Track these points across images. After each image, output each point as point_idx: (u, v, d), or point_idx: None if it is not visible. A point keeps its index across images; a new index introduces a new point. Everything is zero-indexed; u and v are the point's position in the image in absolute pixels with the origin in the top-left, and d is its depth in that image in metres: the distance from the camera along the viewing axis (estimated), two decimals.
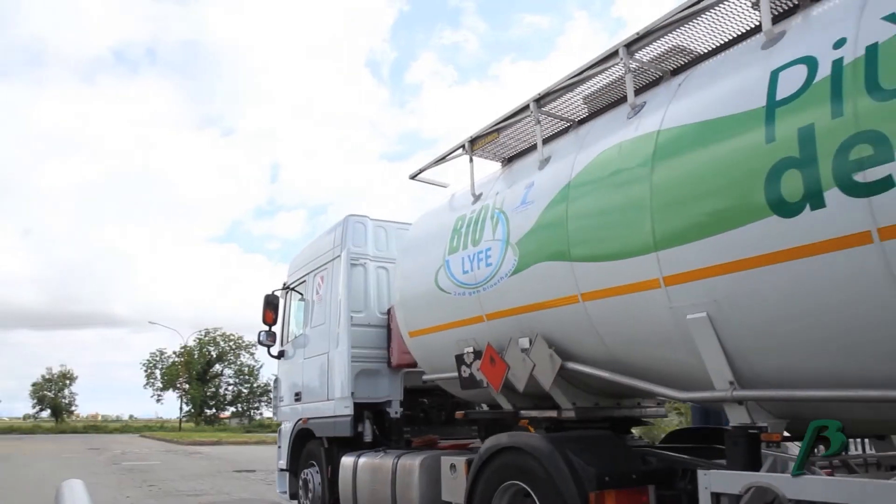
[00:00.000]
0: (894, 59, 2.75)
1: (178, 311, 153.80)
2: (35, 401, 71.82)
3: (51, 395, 71.51)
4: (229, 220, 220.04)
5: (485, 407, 6.73)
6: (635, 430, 5.82)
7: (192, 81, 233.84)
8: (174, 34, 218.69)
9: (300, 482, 8.13)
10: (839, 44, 3.01)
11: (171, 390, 61.83)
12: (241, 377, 63.50)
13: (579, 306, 4.32)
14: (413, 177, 6.52)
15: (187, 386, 58.46)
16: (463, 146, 5.74)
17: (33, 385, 71.60)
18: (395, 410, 7.36)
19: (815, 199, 2.93)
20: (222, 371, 64.07)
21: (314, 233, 8.04)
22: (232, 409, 65.08)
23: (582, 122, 5.17)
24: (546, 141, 5.17)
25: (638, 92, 4.42)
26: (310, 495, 7.83)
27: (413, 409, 7.66)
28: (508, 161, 5.85)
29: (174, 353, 62.68)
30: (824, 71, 3.01)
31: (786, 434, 3.83)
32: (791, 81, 3.15)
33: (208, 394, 61.82)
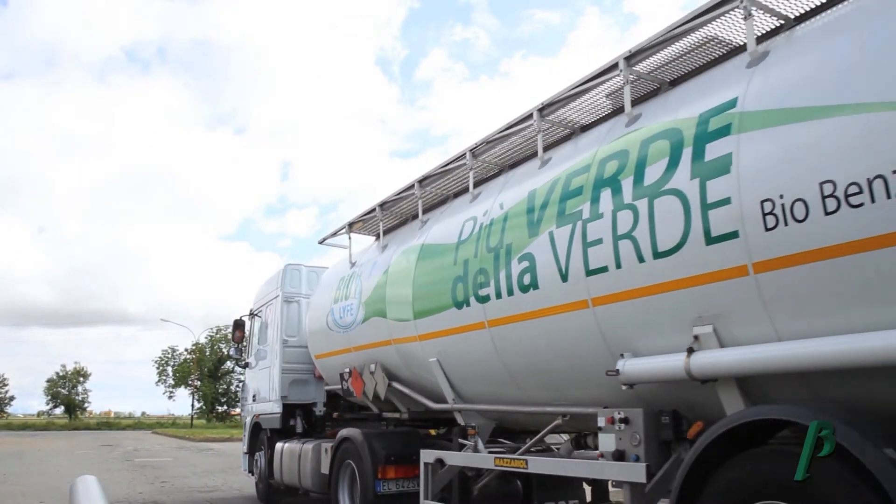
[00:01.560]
0: (495, 228, 5.17)
1: (190, 309, 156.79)
2: (49, 398, 71.85)
3: (64, 392, 71.65)
4: (240, 218, 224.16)
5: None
6: None
7: (203, 80, 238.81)
8: (185, 33, 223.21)
9: (254, 462, 10.77)
10: (486, 213, 5.45)
11: (182, 387, 62.46)
12: None
13: (392, 347, 6.79)
14: (321, 242, 9.00)
15: (199, 383, 58.68)
16: (344, 227, 8.21)
17: (47, 382, 71.79)
18: (319, 409, 9.89)
19: (466, 301, 5.38)
20: (233, 368, 64.96)
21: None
22: None
23: (415, 216, 7.60)
24: (390, 230, 7.65)
25: (426, 211, 6.88)
26: (258, 471, 10.48)
27: (335, 408, 10.17)
28: (379, 236, 8.31)
29: (186, 350, 63.55)
30: (477, 227, 5.46)
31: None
32: (467, 229, 5.60)
33: (220, 391, 61.51)
